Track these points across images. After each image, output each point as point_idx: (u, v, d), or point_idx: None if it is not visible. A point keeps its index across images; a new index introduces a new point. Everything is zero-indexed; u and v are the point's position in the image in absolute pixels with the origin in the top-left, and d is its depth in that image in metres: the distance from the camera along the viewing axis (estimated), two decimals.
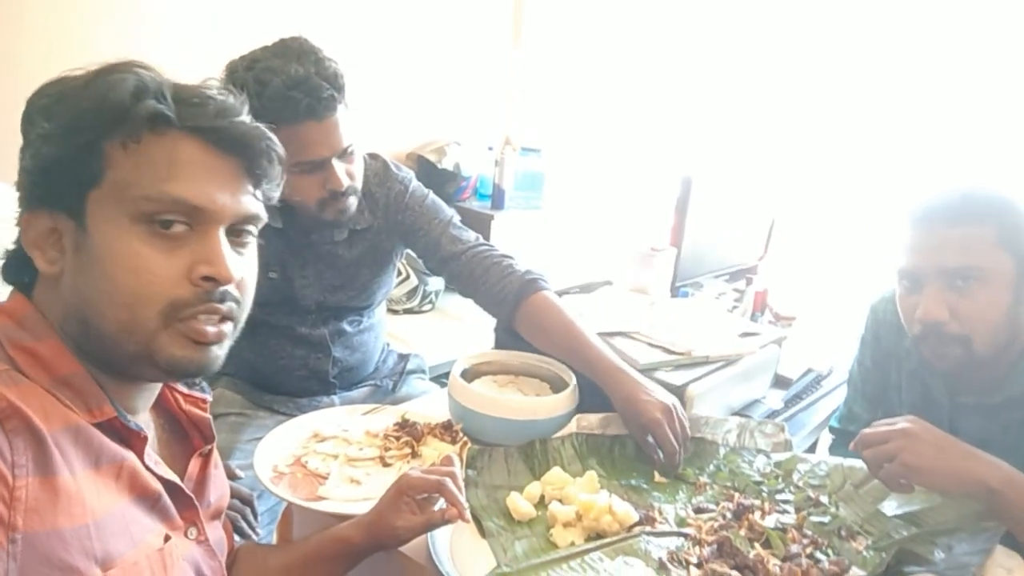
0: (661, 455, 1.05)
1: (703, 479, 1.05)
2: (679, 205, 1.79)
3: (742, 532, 0.91)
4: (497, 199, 2.91)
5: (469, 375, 1.23)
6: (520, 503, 0.94)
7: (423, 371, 1.64)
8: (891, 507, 0.97)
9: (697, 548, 0.89)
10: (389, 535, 0.80)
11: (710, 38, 2.64)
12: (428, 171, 2.80)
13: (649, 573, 0.84)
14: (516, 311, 1.25)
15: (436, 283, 2.74)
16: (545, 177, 3.02)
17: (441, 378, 1.79)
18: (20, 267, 0.65)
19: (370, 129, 1.87)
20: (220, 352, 0.66)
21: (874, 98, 2.26)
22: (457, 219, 1.39)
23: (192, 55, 1.82)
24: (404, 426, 1.12)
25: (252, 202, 0.67)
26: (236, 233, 0.66)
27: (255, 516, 1.05)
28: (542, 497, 0.98)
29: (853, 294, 1.84)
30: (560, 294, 1.48)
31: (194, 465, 0.73)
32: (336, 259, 1.36)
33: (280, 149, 0.69)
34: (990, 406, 1.08)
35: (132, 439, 0.64)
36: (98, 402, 0.61)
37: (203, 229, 0.63)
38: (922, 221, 1.04)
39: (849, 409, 1.33)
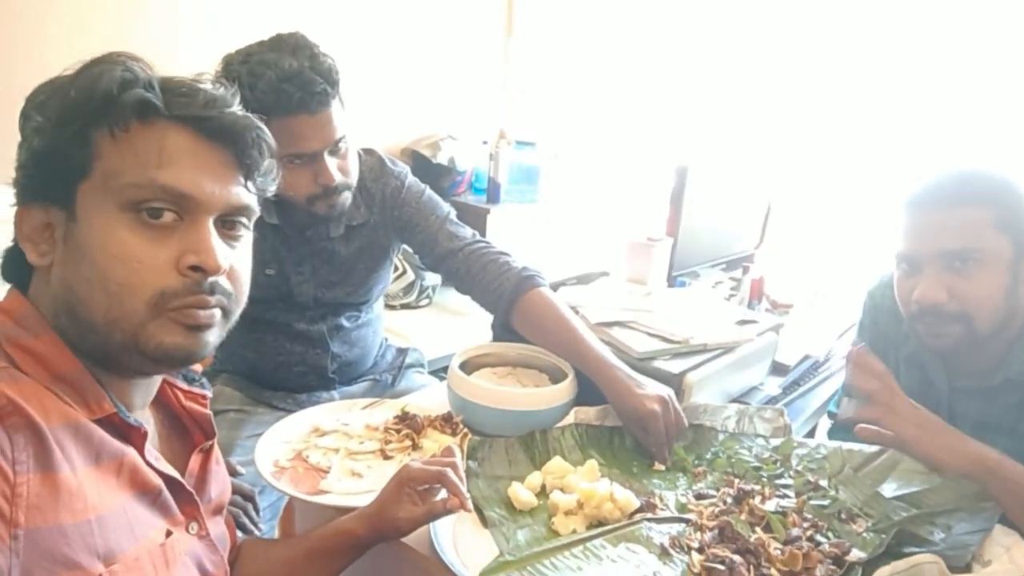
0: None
1: (702, 467, 1.06)
2: (675, 195, 1.79)
3: (743, 517, 0.92)
4: (492, 193, 2.91)
5: (468, 367, 1.23)
6: (521, 492, 0.95)
7: (422, 365, 1.65)
8: (890, 489, 0.98)
9: (698, 533, 0.89)
10: (391, 526, 0.80)
11: (703, 27, 2.64)
12: (423, 166, 2.80)
13: (651, 559, 0.85)
14: (512, 308, 1.25)
15: (433, 278, 2.75)
16: (540, 170, 3.02)
17: (439, 372, 1.80)
18: (18, 265, 0.65)
19: (364, 124, 1.87)
20: (210, 339, 0.65)
21: (869, 84, 2.26)
22: (453, 215, 1.39)
23: (192, 55, 1.82)
24: (404, 419, 1.12)
25: (243, 193, 0.66)
26: (228, 225, 0.66)
27: (257, 512, 1.05)
28: (543, 486, 0.98)
29: (850, 280, 1.84)
30: (557, 286, 1.48)
31: (195, 461, 0.73)
32: (333, 255, 1.35)
33: (271, 140, 0.68)
34: (989, 389, 1.08)
35: (132, 435, 0.64)
36: (97, 398, 0.61)
37: (192, 219, 0.63)
38: (920, 204, 1.03)
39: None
